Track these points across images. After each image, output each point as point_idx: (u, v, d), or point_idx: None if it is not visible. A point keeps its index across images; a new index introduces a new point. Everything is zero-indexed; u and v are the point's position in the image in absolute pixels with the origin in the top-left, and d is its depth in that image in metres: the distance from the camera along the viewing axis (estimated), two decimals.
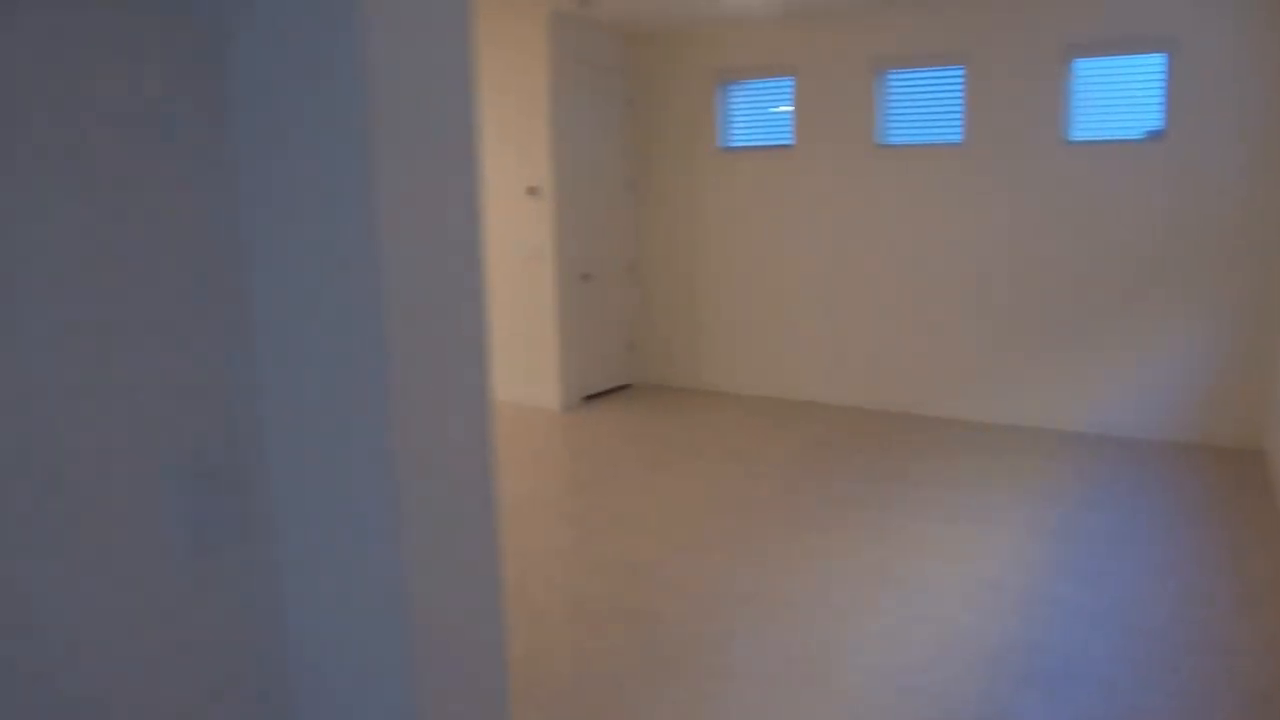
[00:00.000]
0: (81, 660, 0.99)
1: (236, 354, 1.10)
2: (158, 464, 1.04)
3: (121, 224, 0.98)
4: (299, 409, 1.12)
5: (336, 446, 1.10)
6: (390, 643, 1.13)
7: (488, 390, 1.23)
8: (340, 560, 1.14)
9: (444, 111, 1.10)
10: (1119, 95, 5.92)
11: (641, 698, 2.99)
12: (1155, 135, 5.73)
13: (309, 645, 1.20)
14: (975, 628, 3.43)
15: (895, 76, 6.55)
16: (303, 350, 1.10)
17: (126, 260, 1.00)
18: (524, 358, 7.01)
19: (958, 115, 6.32)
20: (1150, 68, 5.73)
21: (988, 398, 6.45)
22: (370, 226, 1.02)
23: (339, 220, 1.05)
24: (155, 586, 1.05)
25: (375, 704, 1.16)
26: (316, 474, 1.13)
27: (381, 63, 1.01)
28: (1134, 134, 5.82)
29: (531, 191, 6.76)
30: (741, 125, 7.26)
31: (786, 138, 7.00)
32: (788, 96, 6.96)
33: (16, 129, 0.90)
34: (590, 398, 7.28)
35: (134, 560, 1.03)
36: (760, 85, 7.12)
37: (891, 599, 3.68)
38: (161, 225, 1.02)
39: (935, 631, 3.41)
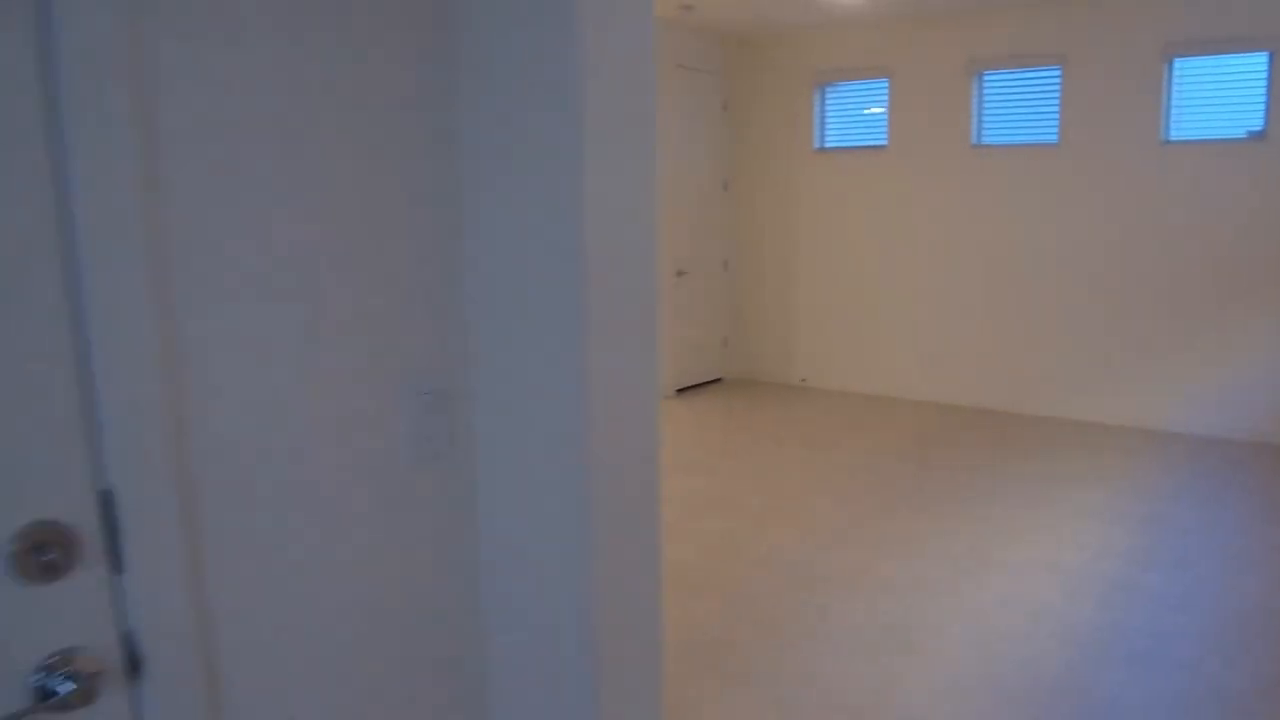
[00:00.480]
0: (321, 546, 1.26)
1: (453, 298, 1.37)
2: (394, 386, 1.31)
3: (374, 200, 1.26)
4: (503, 345, 1.38)
5: (534, 378, 1.36)
6: (570, 552, 1.38)
7: (654, 349, 1.48)
8: (530, 476, 1.40)
9: (632, 102, 1.35)
10: (1219, 95, 5.92)
11: (739, 656, 3.22)
12: (1256, 135, 5.72)
13: (498, 546, 1.47)
14: (1063, 609, 3.57)
15: (991, 77, 6.64)
16: (509, 297, 1.36)
17: (379, 224, 1.27)
18: None
19: (1054, 116, 6.38)
20: (1252, 67, 5.72)
21: (1080, 396, 6.49)
22: (576, 194, 1.27)
23: (548, 185, 1.30)
24: (385, 486, 1.32)
25: (551, 599, 1.42)
26: (515, 401, 1.39)
27: (591, 54, 1.26)
28: (1234, 134, 5.82)
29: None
30: (836, 126, 7.42)
31: (881, 139, 7.14)
32: (883, 98, 7.10)
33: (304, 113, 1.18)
34: (683, 390, 7.52)
35: (372, 463, 1.30)
36: (855, 87, 7.27)
37: (983, 580, 3.83)
38: (400, 207, 1.29)
39: (1024, 610, 3.56)
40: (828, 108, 7.43)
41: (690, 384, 7.60)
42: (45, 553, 0.98)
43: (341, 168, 1.23)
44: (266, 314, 1.16)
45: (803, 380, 7.70)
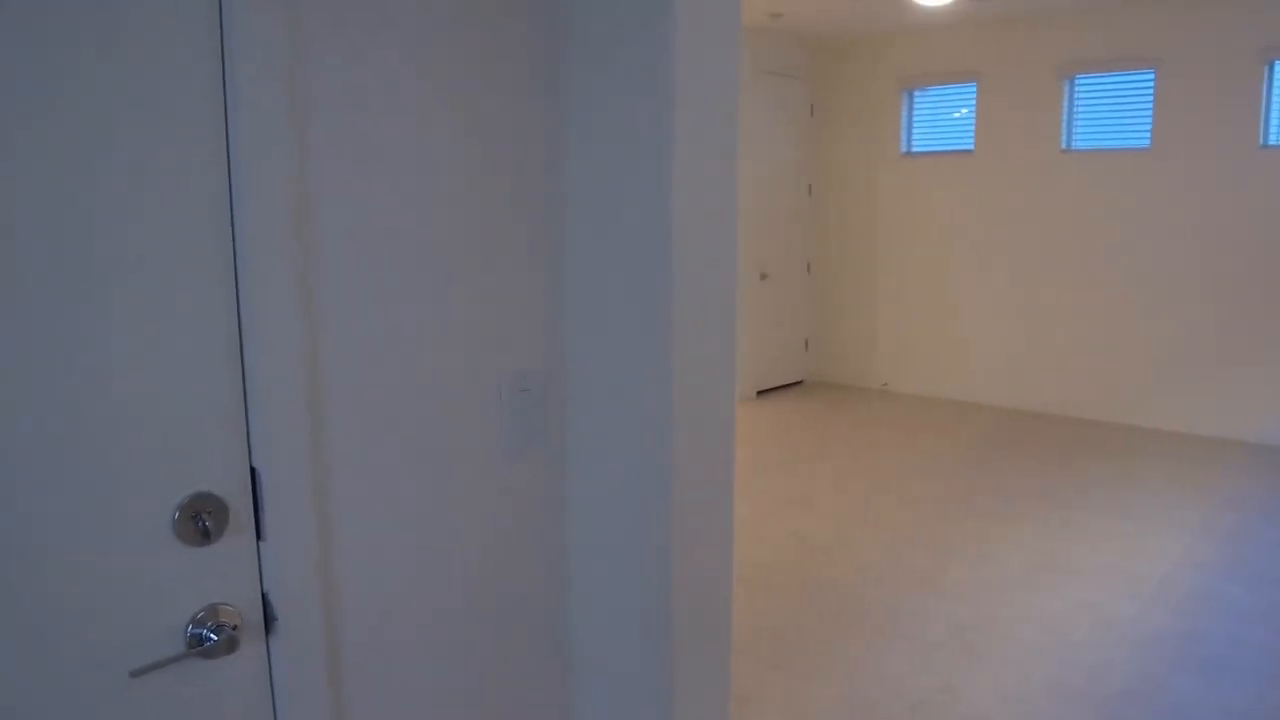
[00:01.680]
0: (430, 526, 1.43)
1: (551, 300, 1.53)
2: (497, 382, 1.47)
3: (488, 211, 1.42)
4: (595, 346, 1.53)
5: (623, 376, 1.51)
6: (652, 541, 1.53)
7: (733, 349, 1.61)
8: (616, 468, 1.55)
9: (718, 118, 1.49)
10: None
11: (809, 652, 3.32)
12: None
13: (583, 532, 1.62)
14: (1137, 616, 3.58)
15: (1083, 81, 6.57)
16: (601, 301, 1.51)
17: (492, 233, 1.43)
18: None
19: (1147, 120, 6.29)
20: None
21: (1167, 405, 6.38)
22: (665, 206, 1.42)
23: (640, 200, 1.45)
24: (487, 473, 1.49)
25: (634, 587, 1.56)
26: (604, 397, 1.54)
27: (684, 72, 1.40)
28: None
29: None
30: (922, 130, 7.42)
31: (967, 143, 7.12)
32: (970, 102, 7.08)
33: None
34: (764, 392, 7.61)
35: (476, 450, 1.46)
36: (942, 91, 7.26)
37: (1057, 585, 3.86)
38: (509, 218, 1.46)
39: (1098, 616, 3.58)
40: (914, 112, 7.43)
41: (771, 386, 7.69)
42: (202, 520, 1.17)
43: (462, 182, 1.39)
44: (393, 315, 1.33)
45: (884, 384, 7.72)
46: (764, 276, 7.45)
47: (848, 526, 4.55)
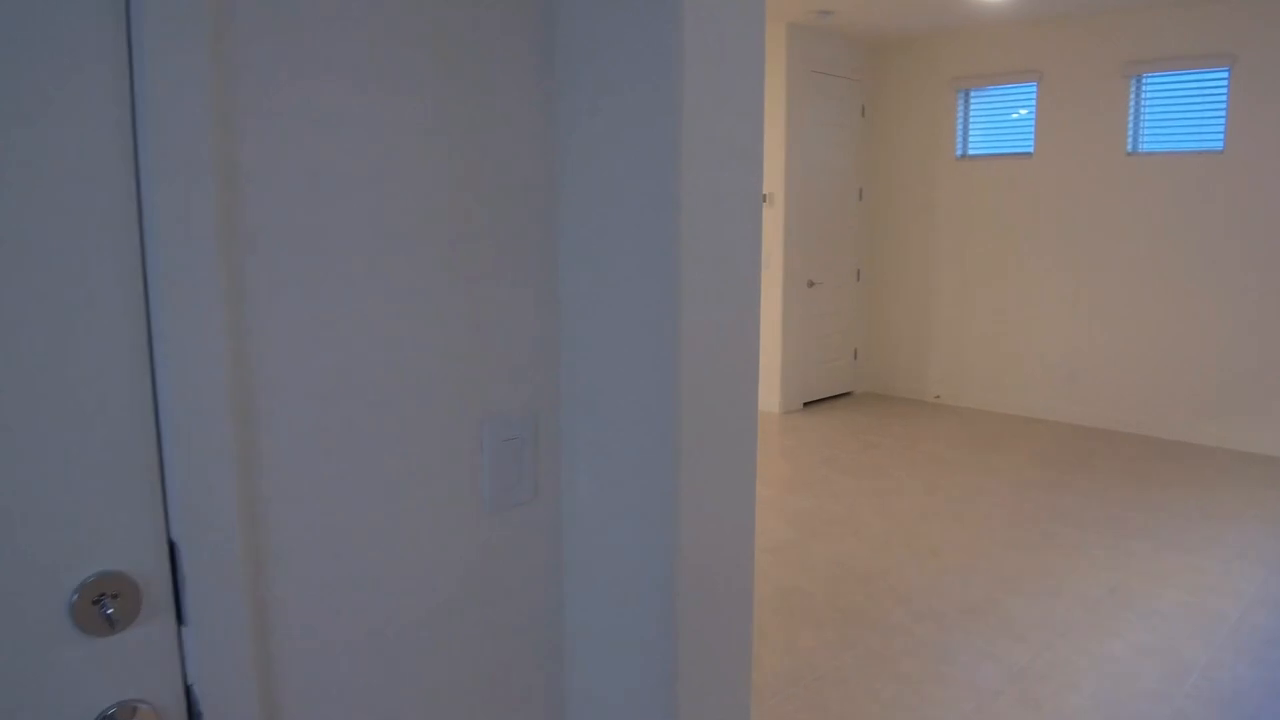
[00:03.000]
0: (393, 602, 1.24)
1: (542, 342, 1.33)
2: (477, 427, 1.28)
3: (465, 225, 1.23)
4: (592, 392, 1.33)
5: (625, 418, 1.30)
6: (657, 610, 1.32)
7: (755, 387, 1.40)
8: (616, 525, 1.34)
9: (737, 114, 1.28)
10: None
11: (853, 695, 3.09)
12: None
13: (583, 599, 1.42)
14: (1210, 664, 3.29)
15: (1151, 80, 6.23)
16: (600, 341, 1.31)
17: (468, 252, 1.24)
18: None
19: (1220, 120, 5.93)
20: None
21: (1240, 424, 6.01)
22: (672, 227, 1.21)
23: (642, 219, 1.25)
24: (465, 536, 1.29)
25: (637, 663, 1.36)
26: (604, 443, 1.34)
27: (696, 60, 1.19)
28: None
29: (764, 199, 6.92)
30: (979, 133, 7.11)
31: (1027, 145, 6.80)
32: (1030, 102, 6.76)
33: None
34: (811, 403, 7.35)
35: (451, 510, 1.27)
36: (1000, 91, 6.94)
37: (1121, 626, 3.57)
38: (493, 233, 1.26)
39: (1166, 665, 3.29)
40: (971, 113, 7.12)
41: (818, 397, 7.43)
42: (108, 604, 0.99)
43: (432, 186, 1.20)
44: (347, 347, 1.14)
45: (936, 397, 7.42)
46: (812, 284, 7.19)
47: (895, 552, 4.29)
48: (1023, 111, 6.82)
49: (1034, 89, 6.72)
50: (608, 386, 1.31)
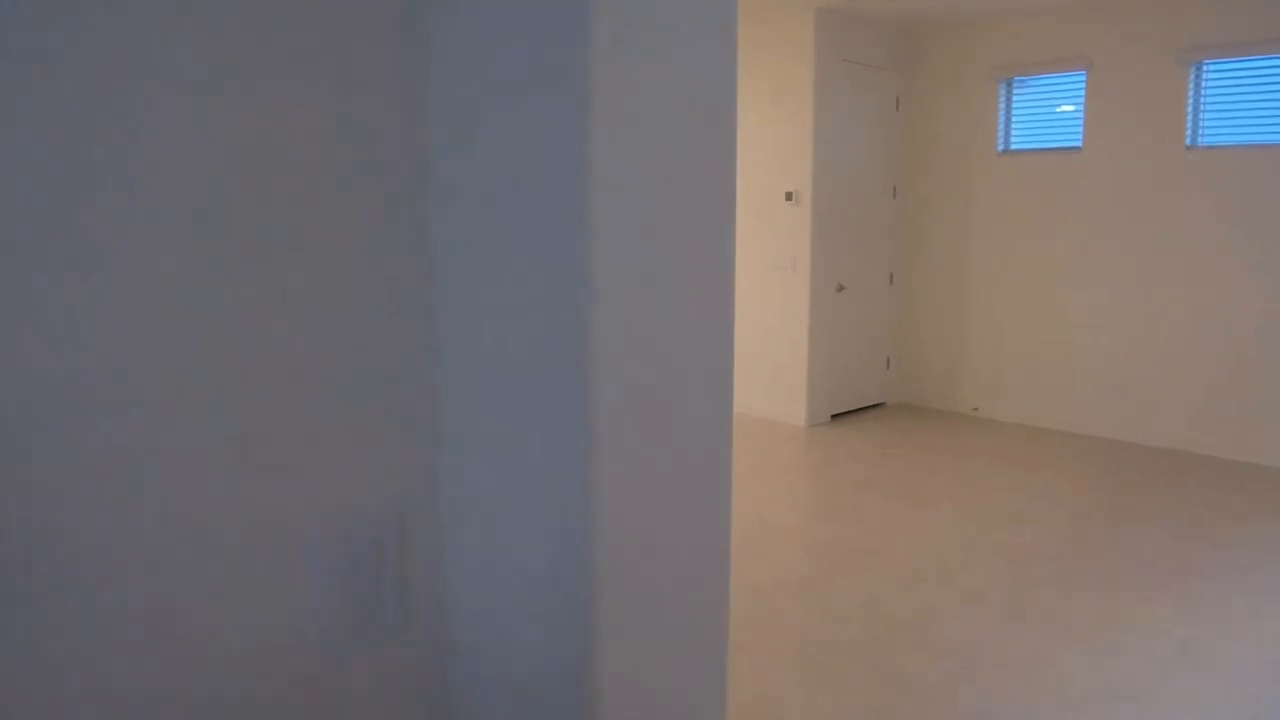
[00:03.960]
0: None
1: (418, 444, 0.90)
2: (301, 527, 0.85)
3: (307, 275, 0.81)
4: (482, 487, 0.90)
5: (520, 527, 0.88)
6: None
7: (727, 449, 0.98)
8: (517, 661, 0.92)
9: (691, 30, 0.85)
10: None
11: None
12: None
13: None
14: None
15: (1213, 67, 5.70)
16: (490, 428, 0.88)
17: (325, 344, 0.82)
18: (770, 370, 6.73)
19: None
20: None
21: None
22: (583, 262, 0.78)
23: (542, 252, 0.82)
24: (295, 683, 0.87)
25: None
26: (497, 561, 0.91)
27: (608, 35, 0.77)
28: None
29: (788, 197, 6.47)
30: (1022, 126, 6.60)
31: (1075, 139, 6.29)
32: (1078, 93, 6.25)
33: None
34: (839, 415, 6.88)
35: (275, 649, 0.85)
36: (1045, 81, 6.44)
37: (1196, 687, 3.09)
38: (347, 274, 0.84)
39: None
40: (1014, 105, 6.62)
41: (847, 409, 6.96)
42: None
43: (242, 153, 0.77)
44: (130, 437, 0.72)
45: (974, 409, 6.91)
46: (841, 288, 6.72)
47: (932, 593, 3.83)
48: (1068, 108, 6.31)
49: (1083, 78, 6.20)
50: (503, 472, 0.88)
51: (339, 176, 0.82)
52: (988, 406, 6.85)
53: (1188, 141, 5.79)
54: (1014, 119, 6.62)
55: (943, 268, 7.01)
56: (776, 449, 6.02)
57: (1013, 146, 6.62)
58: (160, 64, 0.72)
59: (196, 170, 0.75)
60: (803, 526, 4.63)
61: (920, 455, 5.87)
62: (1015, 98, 6.61)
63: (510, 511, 0.88)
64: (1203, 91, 5.77)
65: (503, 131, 0.83)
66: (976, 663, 3.25)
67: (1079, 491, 5.11)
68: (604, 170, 0.78)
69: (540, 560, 0.86)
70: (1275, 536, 4.42)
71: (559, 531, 0.85)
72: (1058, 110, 6.42)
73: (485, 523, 0.92)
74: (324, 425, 0.84)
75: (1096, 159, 6.17)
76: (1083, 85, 6.21)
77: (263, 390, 0.78)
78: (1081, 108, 6.23)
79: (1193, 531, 4.49)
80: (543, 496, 0.86)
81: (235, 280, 0.77)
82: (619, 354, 0.81)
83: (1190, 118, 5.78)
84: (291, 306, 0.80)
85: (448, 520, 0.94)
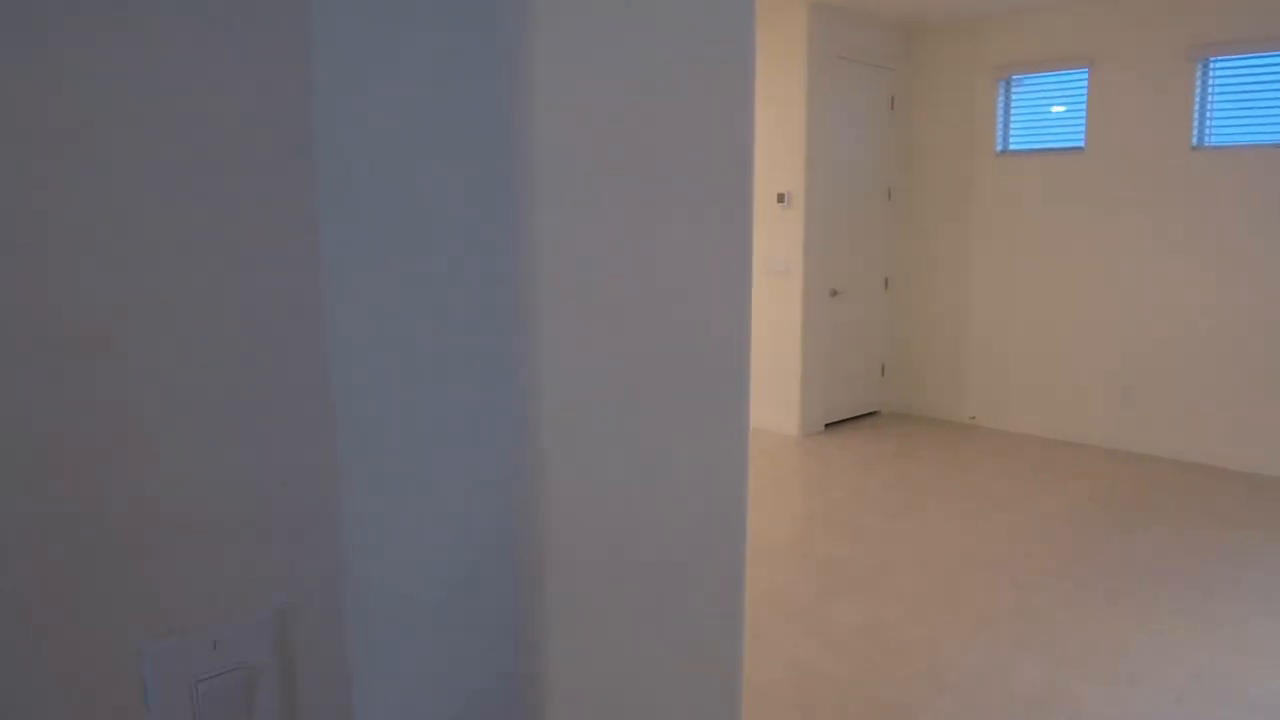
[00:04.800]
0: None
1: (307, 513, 0.67)
2: (133, 664, 0.62)
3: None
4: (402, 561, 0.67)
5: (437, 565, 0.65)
6: None
7: (741, 477, 0.75)
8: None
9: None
10: None
11: None
12: None
13: None
14: None
15: (1220, 64, 5.50)
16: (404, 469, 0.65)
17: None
18: (761, 378, 6.50)
19: None
20: None
21: None
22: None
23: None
24: None
25: None
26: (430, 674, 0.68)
27: None
28: None
29: (780, 199, 6.25)
30: (1023, 125, 6.39)
31: (1077, 139, 6.08)
32: (1080, 92, 6.04)
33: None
34: (833, 425, 6.66)
35: None
36: (1047, 79, 6.23)
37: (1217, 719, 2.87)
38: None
39: None
40: (1013, 104, 6.41)
41: (842, 418, 6.73)
42: None
43: None
44: None
45: (972, 418, 6.70)
46: (835, 293, 6.50)
47: (935, 618, 3.60)
48: (1059, 108, 6.10)
49: (1085, 76, 6.00)
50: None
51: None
52: (986, 415, 6.64)
53: (1194, 141, 5.59)
54: (1013, 119, 6.42)
55: (940, 272, 6.80)
56: (768, 460, 5.79)
57: (1012, 147, 6.41)
58: None
59: None
60: (796, 544, 4.40)
61: (918, 467, 5.65)
62: (1015, 97, 6.40)
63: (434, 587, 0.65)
64: (1210, 89, 5.57)
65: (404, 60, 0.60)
66: (984, 696, 3.02)
67: (1084, 505, 4.89)
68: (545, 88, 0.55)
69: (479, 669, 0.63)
70: None
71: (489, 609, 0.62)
72: (1058, 110, 6.21)
73: (409, 613, 0.68)
74: (154, 504, 0.61)
75: (1099, 159, 5.96)
76: (1084, 84, 6.01)
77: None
78: (1083, 107, 6.03)
79: (1203, 548, 4.27)
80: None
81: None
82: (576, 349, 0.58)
83: (1197, 117, 5.58)
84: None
85: (357, 619, 0.71)
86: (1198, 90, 5.56)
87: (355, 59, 0.63)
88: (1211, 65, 5.53)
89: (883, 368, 7.03)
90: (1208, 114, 5.59)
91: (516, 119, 0.54)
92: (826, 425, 6.60)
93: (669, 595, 0.69)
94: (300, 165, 0.65)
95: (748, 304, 0.70)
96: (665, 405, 0.65)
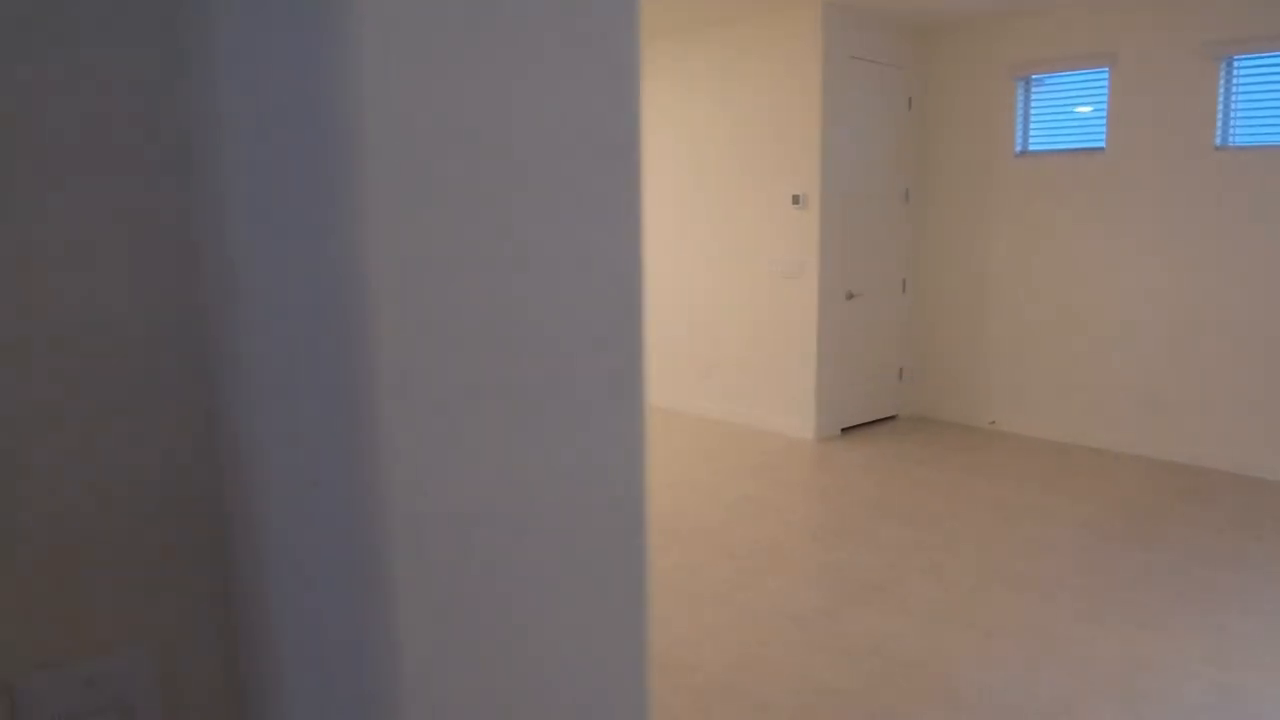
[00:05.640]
0: None
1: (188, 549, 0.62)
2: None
3: None
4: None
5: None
6: None
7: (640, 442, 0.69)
8: None
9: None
10: None
11: None
12: None
13: None
14: None
15: (1244, 63, 5.38)
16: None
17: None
18: (776, 382, 6.43)
19: None
20: None
21: None
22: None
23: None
24: None
25: None
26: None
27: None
28: None
29: (795, 200, 6.18)
30: (1041, 126, 6.29)
31: (1097, 140, 5.98)
32: (1100, 91, 5.94)
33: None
34: (849, 429, 6.58)
35: None
36: (1066, 79, 6.13)
37: None
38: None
39: None
40: (1032, 104, 6.31)
41: (858, 422, 6.65)
42: None
43: None
44: None
45: (991, 422, 6.60)
46: (851, 296, 6.42)
47: (948, 632, 3.53)
48: (1084, 108, 5.99)
49: (1105, 75, 5.89)
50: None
51: None
52: (1007, 420, 6.54)
53: (1217, 141, 5.48)
54: (1032, 118, 6.31)
55: (958, 274, 6.70)
56: (782, 464, 5.72)
57: (1031, 147, 6.31)
58: None
59: None
60: (808, 552, 4.34)
61: (936, 473, 5.57)
62: (1033, 97, 6.30)
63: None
64: (1234, 88, 5.45)
65: None
66: (999, 714, 2.95)
67: (1105, 513, 4.80)
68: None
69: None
70: None
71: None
72: (1078, 110, 6.11)
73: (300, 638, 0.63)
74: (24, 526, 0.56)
75: (1120, 160, 5.85)
76: (1105, 83, 5.90)
77: None
78: (1104, 106, 5.92)
79: (1232, 560, 4.17)
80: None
81: None
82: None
83: (1220, 116, 5.47)
84: None
85: (259, 673, 0.66)
86: (1221, 89, 5.45)
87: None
88: (1235, 64, 5.41)
89: (900, 371, 6.94)
90: (1231, 113, 5.47)
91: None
92: (843, 430, 6.52)
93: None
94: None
95: (637, 306, 0.63)
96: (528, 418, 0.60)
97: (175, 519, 0.61)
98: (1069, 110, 6.17)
